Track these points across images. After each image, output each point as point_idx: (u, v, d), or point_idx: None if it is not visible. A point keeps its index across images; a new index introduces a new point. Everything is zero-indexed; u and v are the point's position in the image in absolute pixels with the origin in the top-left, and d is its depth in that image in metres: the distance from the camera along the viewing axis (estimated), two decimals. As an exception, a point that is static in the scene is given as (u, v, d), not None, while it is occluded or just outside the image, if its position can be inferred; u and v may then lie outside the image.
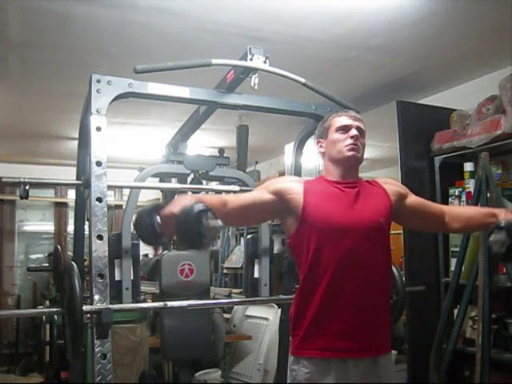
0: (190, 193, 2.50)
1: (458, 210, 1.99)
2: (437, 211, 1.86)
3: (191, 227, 1.35)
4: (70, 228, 5.84)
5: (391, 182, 1.84)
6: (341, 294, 1.60)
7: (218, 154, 2.64)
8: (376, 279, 1.65)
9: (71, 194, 6.15)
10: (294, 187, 1.68)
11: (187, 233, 1.37)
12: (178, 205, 1.42)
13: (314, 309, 1.61)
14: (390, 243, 1.75)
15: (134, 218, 1.63)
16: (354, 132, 1.69)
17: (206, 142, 5.01)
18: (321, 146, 1.78)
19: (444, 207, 1.92)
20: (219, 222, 1.39)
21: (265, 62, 1.97)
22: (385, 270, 1.70)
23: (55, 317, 2.84)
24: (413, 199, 1.83)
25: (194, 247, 1.43)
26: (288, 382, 1.65)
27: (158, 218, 1.48)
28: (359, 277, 1.61)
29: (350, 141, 1.68)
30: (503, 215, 1.74)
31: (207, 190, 2.58)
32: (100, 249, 1.75)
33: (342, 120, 1.72)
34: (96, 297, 1.70)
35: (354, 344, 1.59)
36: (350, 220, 1.63)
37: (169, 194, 2.91)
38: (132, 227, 1.83)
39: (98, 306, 1.68)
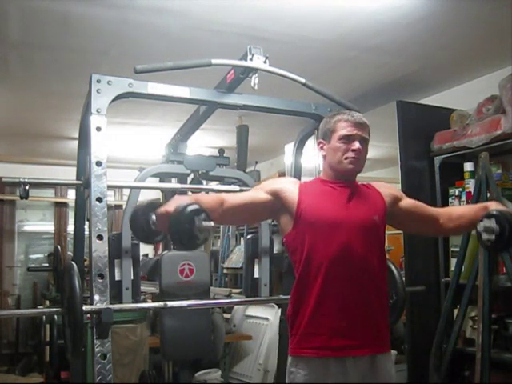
0: (189, 193, 2.49)
1: (451, 210, 1.98)
2: (432, 213, 1.85)
3: (183, 227, 1.35)
4: (70, 228, 5.84)
5: (386, 186, 1.84)
6: (335, 291, 1.60)
7: (218, 154, 2.64)
8: (371, 276, 1.65)
9: (71, 194, 6.15)
10: (289, 187, 1.70)
11: (179, 233, 1.37)
12: (173, 204, 1.42)
13: (309, 307, 1.62)
14: (384, 242, 1.76)
15: (129, 215, 1.63)
16: (356, 145, 1.67)
17: (206, 142, 5.01)
18: (322, 148, 1.76)
19: (439, 209, 1.92)
20: (212, 224, 1.39)
21: (265, 62, 1.97)
22: (380, 267, 1.70)
23: (55, 317, 2.84)
24: (408, 201, 1.83)
25: (185, 247, 1.43)
26: (287, 382, 1.65)
27: (154, 216, 1.49)
28: (353, 273, 1.62)
29: (351, 154, 1.67)
30: (494, 206, 1.74)
31: (207, 190, 2.59)
32: (100, 249, 1.75)
33: (347, 129, 1.68)
34: (96, 297, 1.70)
35: (351, 341, 1.59)
36: (344, 217, 1.64)
37: (169, 194, 2.91)
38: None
39: (97, 306, 1.68)
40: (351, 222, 1.64)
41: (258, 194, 1.70)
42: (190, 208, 1.37)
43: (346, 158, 1.67)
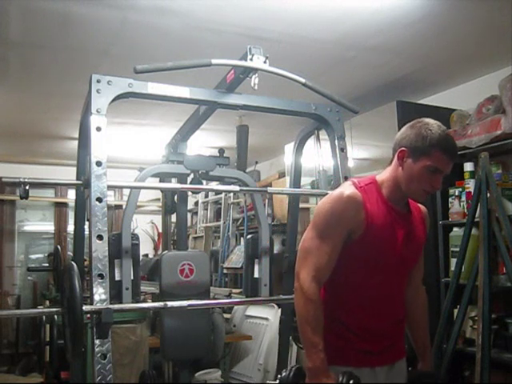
0: (190, 193, 2.48)
1: (417, 305, 1.84)
2: (415, 280, 1.81)
3: None
4: (70, 228, 5.85)
5: (428, 218, 1.78)
6: (372, 310, 1.61)
7: (218, 154, 2.63)
8: (402, 295, 1.71)
9: (71, 194, 6.15)
10: (357, 217, 1.55)
11: None
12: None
13: (350, 322, 1.61)
14: None
15: None
16: (440, 182, 1.57)
17: (206, 142, 5.01)
18: (401, 158, 1.58)
19: (420, 284, 1.85)
20: None
21: (265, 62, 1.96)
22: (406, 284, 1.75)
23: (55, 317, 2.83)
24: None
25: None
26: None
27: None
28: (390, 296, 1.65)
29: (430, 189, 1.57)
30: (423, 363, 1.80)
31: (207, 190, 2.58)
32: (100, 249, 1.75)
33: (442, 162, 1.53)
34: (96, 297, 1.70)
35: (383, 356, 1.63)
36: (398, 258, 1.61)
37: (169, 194, 2.91)
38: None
39: (97, 306, 1.68)
40: (403, 263, 1.64)
41: (338, 240, 1.55)
42: None
43: (423, 191, 1.58)
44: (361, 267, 1.59)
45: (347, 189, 1.58)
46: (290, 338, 2.76)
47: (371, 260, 1.57)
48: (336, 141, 2.35)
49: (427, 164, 1.53)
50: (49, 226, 6.40)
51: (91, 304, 1.69)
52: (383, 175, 1.65)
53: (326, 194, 1.88)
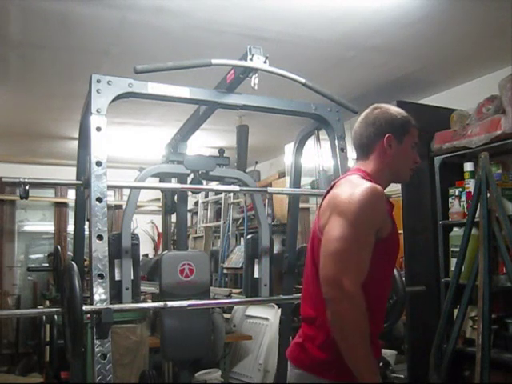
0: (190, 193, 2.48)
1: None
2: None
3: None
4: (70, 228, 5.85)
5: None
6: (384, 313, 1.59)
7: (218, 154, 2.63)
8: None
9: (71, 194, 6.16)
10: (386, 213, 1.45)
11: None
12: None
13: (372, 329, 1.43)
14: None
15: None
16: (418, 157, 1.59)
17: (206, 142, 5.01)
18: (389, 144, 1.55)
19: None
20: None
21: (265, 62, 1.96)
22: None
23: (55, 317, 2.83)
24: None
25: None
26: None
27: None
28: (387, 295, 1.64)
29: (414, 166, 1.60)
30: None
31: (207, 190, 2.58)
32: (100, 249, 1.75)
33: (417, 136, 1.58)
34: (96, 297, 1.70)
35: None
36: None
37: (169, 194, 2.92)
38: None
39: (97, 306, 1.68)
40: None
41: (371, 241, 1.39)
42: None
43: (410, 170, 1.59)
44: (385, 267, 1.49)
45: (368, 182, 1.45)
46: (290, 338, 2.76)
47: (392, 259, 1.53)
48: (336, 141, 2.35)
49: (412, 141, 1.58)
50: (49, 226, 6.40)
51: (91, 304, 1.69)
52: (367, 168, 1.56)
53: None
